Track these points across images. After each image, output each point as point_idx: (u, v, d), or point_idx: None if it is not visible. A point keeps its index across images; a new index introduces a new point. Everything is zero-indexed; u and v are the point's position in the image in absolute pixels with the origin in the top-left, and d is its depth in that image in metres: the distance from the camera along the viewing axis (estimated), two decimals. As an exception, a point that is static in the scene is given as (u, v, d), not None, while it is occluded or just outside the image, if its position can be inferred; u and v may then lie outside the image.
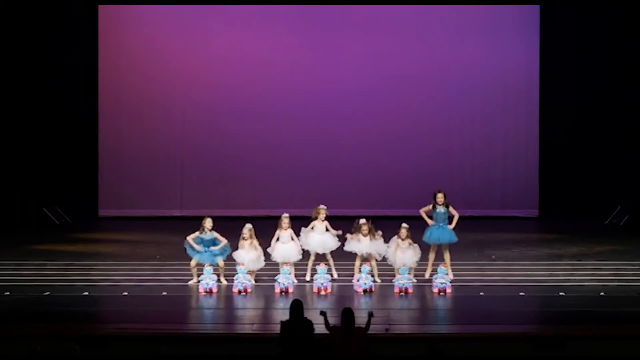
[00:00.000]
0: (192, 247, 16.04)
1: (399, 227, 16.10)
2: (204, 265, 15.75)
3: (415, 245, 16.10)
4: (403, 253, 15.97)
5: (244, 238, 15.96)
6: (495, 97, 25.65)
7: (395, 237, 16.06)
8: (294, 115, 25.54)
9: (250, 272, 15.84)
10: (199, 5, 25.50)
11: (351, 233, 16.12)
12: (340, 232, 16.26)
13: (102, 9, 25.49)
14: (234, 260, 15.98)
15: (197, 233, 16.05)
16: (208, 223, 16.09)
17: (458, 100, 25.64)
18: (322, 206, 16.32)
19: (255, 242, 15.99)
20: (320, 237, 16.21)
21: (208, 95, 25.60)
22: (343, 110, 25.54)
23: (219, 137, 25.58)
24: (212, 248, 15.96)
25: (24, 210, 23.83)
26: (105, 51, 25.52)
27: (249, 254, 15.88)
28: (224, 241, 16.06)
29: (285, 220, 16.12)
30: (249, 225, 16.08)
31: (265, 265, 16.17)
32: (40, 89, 24.84)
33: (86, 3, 25.19)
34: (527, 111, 25.65)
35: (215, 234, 16.05)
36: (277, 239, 16.09)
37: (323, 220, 16.25)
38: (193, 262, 16.03)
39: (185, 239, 16.13)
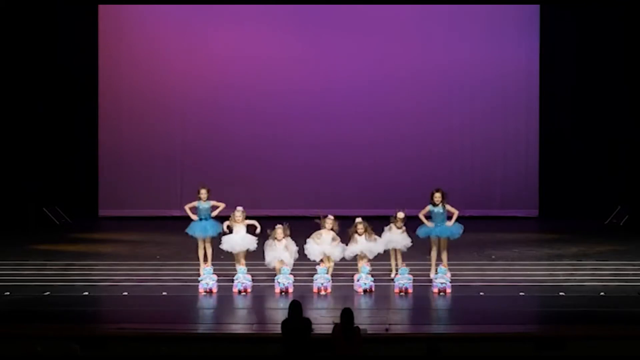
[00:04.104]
0: (192, 226, 16.32)
1: (395, 215, 16.17)
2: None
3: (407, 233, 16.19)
4: (396, 235, 16.04)
5: (236, 221, 16.01)
6: (495, 97, 25.67)
7: (391, 224, 16.13)
8: (294, 116, 25.56)
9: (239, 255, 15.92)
10: (199, 5, 25.52)
11: (348, 237, 16.12)
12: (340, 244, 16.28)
13: (102, 9, 25.52)
14: (229, 253, 16.11)
15: (194, 203, 16.27)
16: (203, 194, 16.33)
17: (458, 100, 25.66)
18: (329, 216, 16.28)
19: (250, 221, 16.05)
20: (326, 247, 16.15)
21: (208, 95, 25.63)
22: (343, 110, 25.57)
23: (219, 137, 25.59)
24: (213, 214, 16.25)
25: (24, 210, 23.82)
26: (105, 51, 25.54)
27: (238, 234, 15.92)
28: (221, 205, 16.28)
29: (278, 232, 16.01)
30: (240, 208, 16.13)
31: (263, 262, 16.19)
32: (40, 89, 24.85)
33: (86, 3, 25.21)
34: (527, 111, 25.67)
35: (212, 202, 16.30)
36: (273, 248, 16.02)
37: (328, 230, 16.19)
38: (200, 249, 16.20)
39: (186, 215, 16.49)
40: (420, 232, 16.32)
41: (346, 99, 25.58)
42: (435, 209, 16.14)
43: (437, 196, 16.13)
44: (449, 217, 16.25)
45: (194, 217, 16.42)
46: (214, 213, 16.39)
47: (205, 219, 16.36)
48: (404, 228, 16.19)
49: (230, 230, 16.14)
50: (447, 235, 16.23)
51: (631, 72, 24.80)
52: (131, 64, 25.61)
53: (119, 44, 25.59)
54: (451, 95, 25.69)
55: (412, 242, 16.28)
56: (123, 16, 25.76)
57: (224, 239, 16.14)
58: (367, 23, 25.61)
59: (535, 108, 25.67)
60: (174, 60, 25.59)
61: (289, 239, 16.02)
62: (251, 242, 16.09)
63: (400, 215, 16.23)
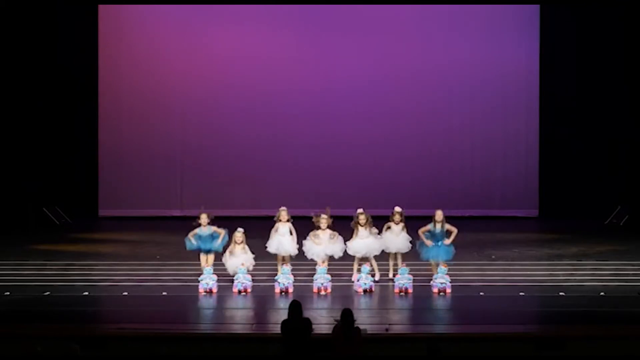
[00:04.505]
0: (191, 241, 16.13)
1: (392, 212, 16.17)
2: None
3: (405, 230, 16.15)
4: (397, 237, 16.02)
5: (236, 242, 15.95)
6: (495, 97, 25.66)
7: (390, 223, 16.12)
8: (294, 115, 25.55)
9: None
10: (199, 5, 25.51)
11: (351, 232, 16.14)
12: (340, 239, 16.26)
13: (102, 9, 25.51)
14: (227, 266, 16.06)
15: (195, 230, 16.13)
16: (203, 219, 16.17)
17: (458, 100, 25.66)
18: (323, 215, 16.29)
19: (246, 246, 16.00)
20: (325, 246, 16.16)
21: (208, 95, 25.63)
22: (343, 110, 25.57)
23: (219, 136, 25.59)
24: (216, 244, 16.08)
25: (24, 210, 23.81)
26: (105, 51, 25.54)
27: (238, 259, 15.86)
28: (222, 232, 16.14)
29: (283, 213, 16.16)
30: (241, 230, 16.08)
31: (263, 262, 16.19)
32: (40, 89, 24.85)
33: (86, 3, 25.21)
34: (527, 111, 25.66)
35: (213, 228, 16.15)
36: (276, 230, 16.10)
37: (324, 229, 16.20)
38: (202, 261, 16.08)
39: (187, 236, 16.22)
40: (424, 255, 16.27)
41: (346, 99, 25.58)
42: (435, 228, 16.14)
43: (439, 214, 16.16)
44: (448, 235, 16.23)
45: (195, 242, 16.29)
46: (217, 243, 16.20)
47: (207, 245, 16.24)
48: (402, 224, 16.16)
49: (230, 253, 16.05)
50: (443, 260, 16.16)
51: (631, 72, 24.79)
52: (131, 64, 25.61)
53: (119, 44, 25.58)
54: (451, 95, 25.68)
55: (411, 244, 16.23)
56: (123, 16, 25.75)
57: (226, 265, 16.02)
58: (367, 23, 25.61)
59: (535, 108, 25.66)
60: (174, 60, 25.59)
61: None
62: (250, 265, 16.04)
63: (397, 209, 16.23)
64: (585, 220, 24.07)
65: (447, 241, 16.13)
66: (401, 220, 16.18)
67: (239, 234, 15.99)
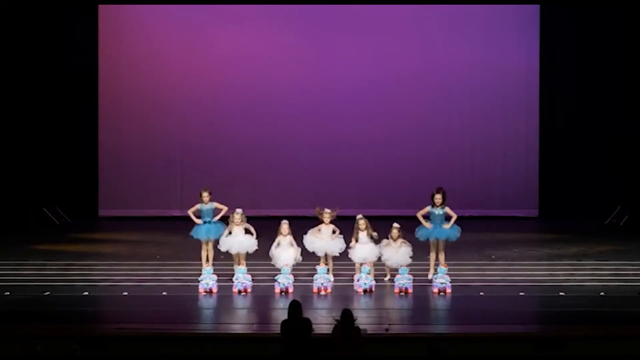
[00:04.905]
0: (198, 226, 16.28)
1: (390, 227, 16.11)
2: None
3: (407, 242, 16.07)
4: (396, 253, 15.96)
5: (234, 223, 16.00)
6: (495, 97, 25.65)
7: (387, 239, 16.04)
8: (294, 115, 25.54)
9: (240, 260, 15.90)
10: (199, 5, 25.50)
11: (352, 236, 16.09)
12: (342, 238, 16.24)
13: (102, 9, 25.50)
14: (228, 254, 16.14)
15: (197, 206, 16.19)
16: (205, 196, 16.27)
17: (458, 100, 25.65)
18: (326, 209, 16.27)
19: (247, 225, 16.04)
20: (326, 241, 16.15)
21: (208, 95, 25.62)
22: (343, 110, 25.56)
23: (219, 136, 25.58)
24: (215, 219, 16.20)
25: (24, 210, 23.80)
26: (105, 51, 25.53)
27: (237, 237, 15.91)
28: (224, 208, 16.23)
29: (284, 227, 16.04)
30: (240, 210, 16.11)
31: (263, 262, 16.20)
32: (40, 89, 24.85)
33: (86, 3, 25.20)
34: (527, 111, 25.65)
35: (215, 203, 16.25)
36: (278, 244, 16.04)
37: (328, 224, 16.20)
38: (203, 259, 16.08)
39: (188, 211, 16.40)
40: (420, 234, 16.31)
41: (346, 99, 25.57)
42: (435, 210, 16.16)
43: (438, 197, 16.17)
44: (447, 219, 16.26)
45: (198, 221, 16.35)
46: (216, 218, 16.32)
47: (209, 222, 16.31)
48: (400, 241, 16.05)
49: (230, 233, 16.12)
50: (445, 238, 16.25)
51: (631, 72, 24.79)
52: (131, 64, 25.60)
53: (119, 44, 25.58)
54: (451, 95, 25.67)
55: (411, 257, 16.15)
56: (123, 16, 25.74)
57: (222, 240, 16.13)
58: (367, 23, 25.59)
59: (535, 108, 25.65)
60: (174, 60, 25.58)
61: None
62: (250, 245, 16.07)
63: (396, 225, 16.13)
64: (585, 220, 24.06)
65: (447, 225, 16.15)
66: (399, 236, 16.09)
67: (237, 215, 16.05)
